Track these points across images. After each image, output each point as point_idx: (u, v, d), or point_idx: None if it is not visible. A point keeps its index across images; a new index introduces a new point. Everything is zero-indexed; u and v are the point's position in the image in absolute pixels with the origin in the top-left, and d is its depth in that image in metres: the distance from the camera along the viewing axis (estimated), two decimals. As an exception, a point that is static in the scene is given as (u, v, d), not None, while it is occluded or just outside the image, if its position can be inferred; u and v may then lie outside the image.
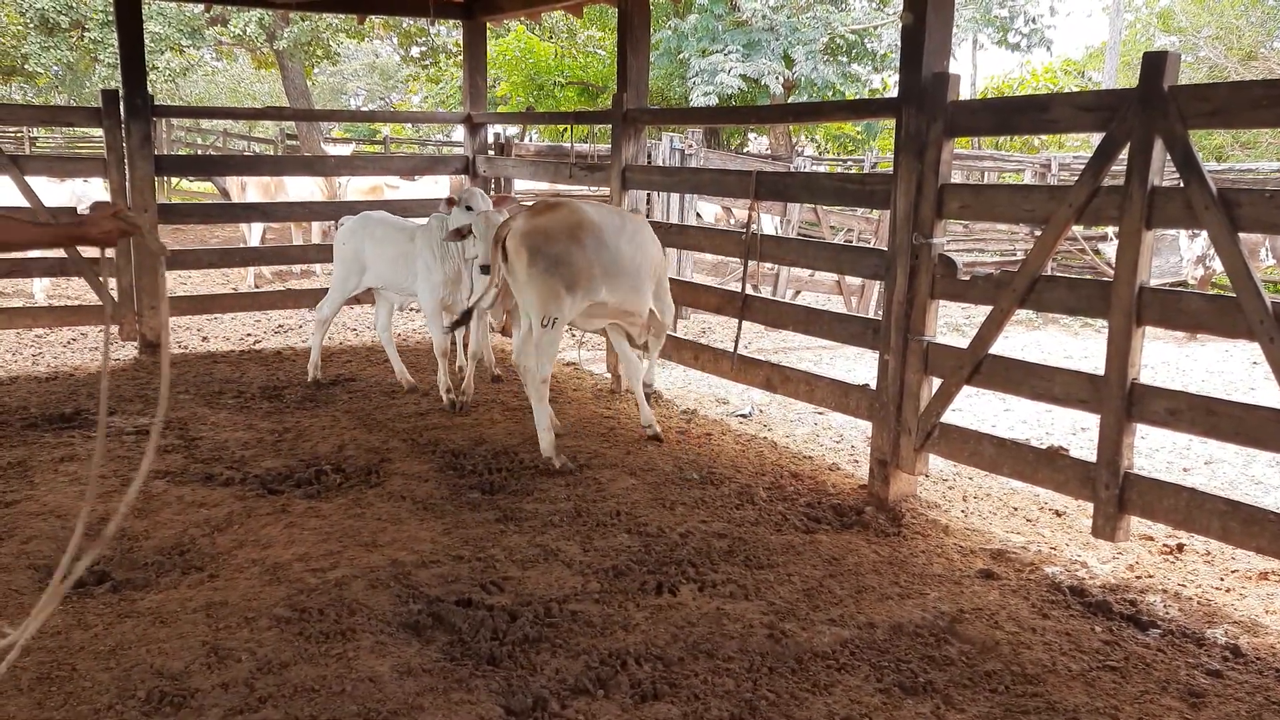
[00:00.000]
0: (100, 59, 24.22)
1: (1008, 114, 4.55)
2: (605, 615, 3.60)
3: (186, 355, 7.86)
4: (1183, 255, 11.27)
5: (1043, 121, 4.28)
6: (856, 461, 5.73)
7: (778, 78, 18.94)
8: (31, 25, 22.89)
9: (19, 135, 25.16)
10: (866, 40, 20.43)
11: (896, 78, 22.22)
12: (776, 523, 4.59)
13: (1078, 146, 24.11)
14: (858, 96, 20.10)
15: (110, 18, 21.72)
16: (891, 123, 4.88)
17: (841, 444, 6.19)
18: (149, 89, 7.51)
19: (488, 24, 8.95)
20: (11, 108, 18.11)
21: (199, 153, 27.40)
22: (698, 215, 12.08)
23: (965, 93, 4.59)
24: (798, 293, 11.23)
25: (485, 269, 5.45)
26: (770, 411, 6.97)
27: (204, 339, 8.76)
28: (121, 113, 7.36)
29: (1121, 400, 3.87)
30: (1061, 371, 4.20)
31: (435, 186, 12.46)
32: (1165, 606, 3.88)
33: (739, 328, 5.94)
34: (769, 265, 9.99)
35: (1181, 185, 3.67)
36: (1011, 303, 4.27)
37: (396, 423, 5.99)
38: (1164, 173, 3.84)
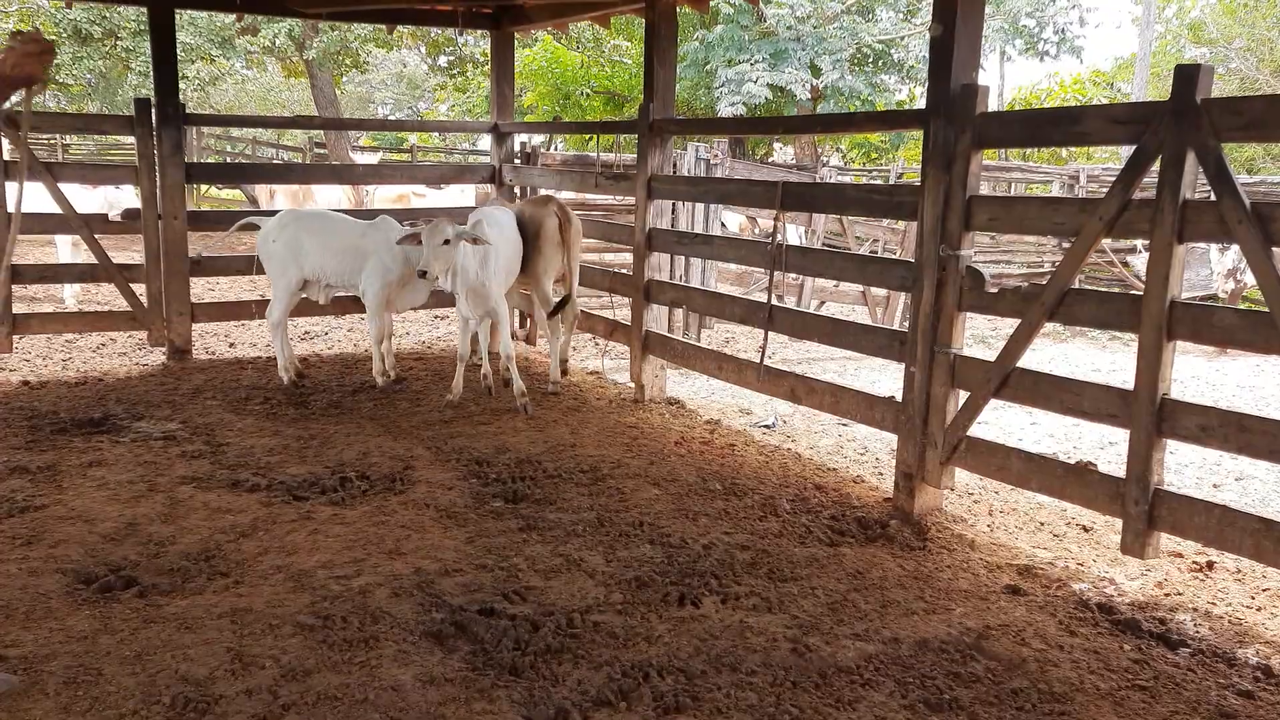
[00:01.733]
0: (132, 67, 24.51)
1: (1038, 126, 4.52)
2: (628, 626, 3.59)
3: (214, 361, 7.92)
4: (1213, 268, 11.16)
5: (1073, 134, 4.25)
6: (881, 474, 5.70)
7: (805, 86, 18.91)
8: (65, 36, 23.20)
9: (52, 142, 25.49)
10: (893, 50, 20.37)
11: (923, 88, 22.16)
12: (800, 535, 4.56)
13: (1105, 158, 23.92)
14: (885, 107, 20.04)
15: (142, 27, 22.00)
16: (918, 132, 4.85)
17: (866, 456, 6.15)
18: (180, 97, 7.60)
19: (515, 34, 8.99)
20: (46, 115, 18.34)
21: (228, 160, 27.66)
22: (722, 225, 12.07)
23: (993, 103, 4.56)
24: (822, 303, 11.19)
25: (423, 274, 5.97)
26: (794, 422, 6.95)
27: (231, 345, 8.84)
28: (153, 121, 7.44)
29: (1152, 416, 3.83)
30: (1091, 386, 4.16)
31: (462, 195, 12.54)
32: (1195, 625, 3.83)
33: (765, 339, 5.92)
34: (793, 275, 9.97)
35: (1214, 199, 3.63)
36: (1040, 316, 4.23)
37: (421, 430, 6.00)
38: (1195, 186, 3.80)
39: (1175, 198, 3.71)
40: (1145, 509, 3.87)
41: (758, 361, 5.91)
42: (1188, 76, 3.66)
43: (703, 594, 3.86)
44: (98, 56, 24.35)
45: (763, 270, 7.36)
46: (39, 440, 5.58)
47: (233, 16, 19.55)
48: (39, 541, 4.15)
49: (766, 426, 6.77)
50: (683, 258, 9.48)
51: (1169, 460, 4.63)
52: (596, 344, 9.36)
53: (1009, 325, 4.49)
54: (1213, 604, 4.07)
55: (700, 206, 9.92)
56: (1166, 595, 4.13)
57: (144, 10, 7.67)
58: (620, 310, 7.81)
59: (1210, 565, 4.45)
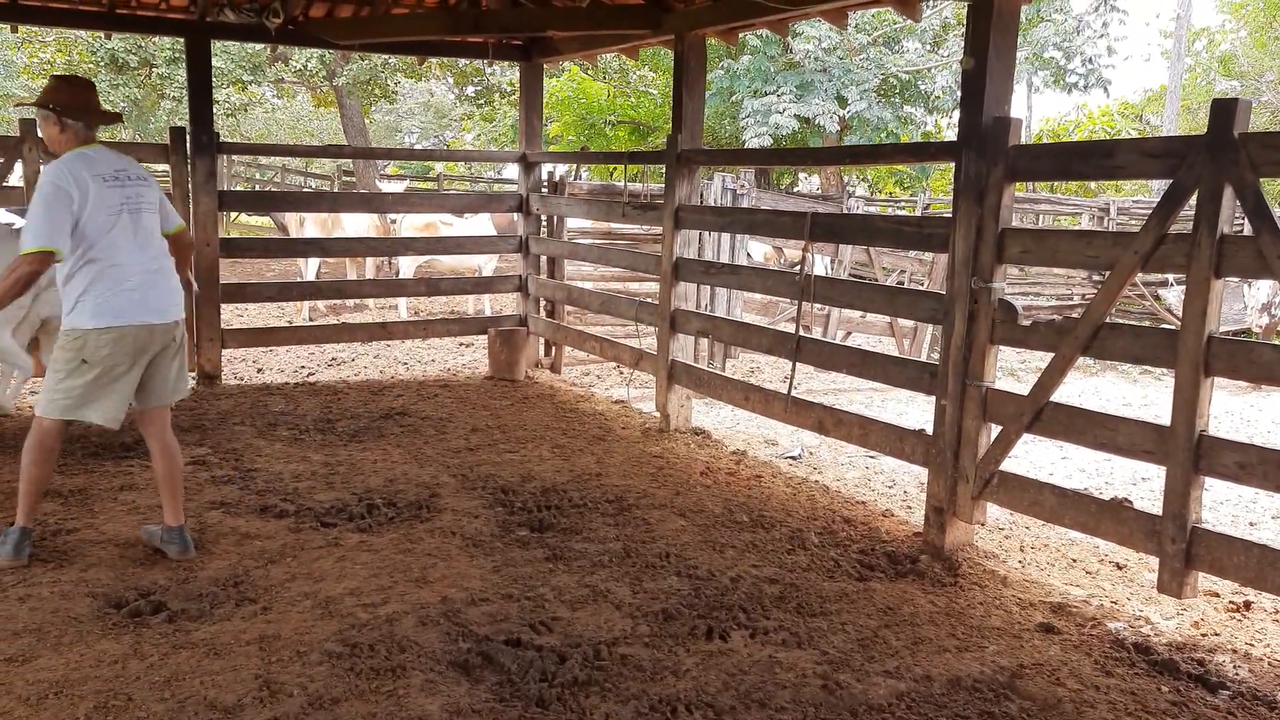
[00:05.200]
0: (166, 94, 24.91)
1: (1071, 159, 4.50)
2: (655, 660, 3.56)
3: (242, 386, 7.97)
4: (1246, 303, 11.03)
5: (1107, 168, 4.22)
6: (910, 508, 5.64)
7: (832, 118, 18.94)
8: (102, 64, 23.62)
9: (85, 168, 25.87)
10: (920, 82, 20.39)
11: (948, 120, 21.88)
12: (829, 569, 4.52)
13: (1134, 191, 23.81)
14: (910, 139, 20.04)
15: (176, 55, 22.35)
16: (943, 163, 4.84)
17: (894, 489, 6.10)
18: (214, 126, 7.70)
19: (544, 65, 9.06)
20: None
21: (257, 187, 27.97)
22: (747, 255, 12.07)
23: (1021, 136, 4.55)
24: (848, 334, 11.16)
25: None
26: (820, 454, 6.90)
27: (259, 370, 8.89)
28: (188, 149, 7.54)
29: (1189, 452, 3.78)
30: (1126, 421, 4.11)
31: (488, 223, 12.63)
32: (1234, 667, 3.75)
33: (793, 369, 5.90)
34: (819, 306, 9.95)
35: (1252, 234, 3.59)
36: (1074, 350, 4.19)
37: (447, 457, 6.01)
38: (1232, 220, 3.77)
39: (1212, 232, 3.68)
40: (1183, 547, 3.81)
41: (785, 392, 5.88)
42: (1225, 111, 3.64)
43: (731, 628, 3.83)
44: (133, 85, 24.75)
45: (789, 300, 7.35)
46: (71, 464, 5.62)
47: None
48: (70, 565, 4.17)
49: (792, 457, 6.73)
50: (708, 287, 9.48)
51: (1204, 498, 4.56)
52: (621, 373, 9.36)
53: (1038, 357, 4.45)
54: (1251, 645, 3.99)
55: (726, 236, 9.93)
56: (1204, 636, 4.05)
57: (180, 39, 7.79)
58: (646, 339, 7.81)
59: (1248, 605, 4.37)
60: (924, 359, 9.25)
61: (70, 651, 3.43)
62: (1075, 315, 4.31)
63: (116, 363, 4.11)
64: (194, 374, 7.86)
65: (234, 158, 27.06)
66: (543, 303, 9.04)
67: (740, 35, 7.85)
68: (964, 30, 4.71)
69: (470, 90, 30.17)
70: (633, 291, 9.92)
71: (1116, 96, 30.94)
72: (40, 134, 4.24)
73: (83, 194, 4.03)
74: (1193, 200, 3.79)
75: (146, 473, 5.49)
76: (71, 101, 4.15)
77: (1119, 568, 4.81)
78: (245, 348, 9.17)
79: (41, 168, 4.17)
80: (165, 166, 7.67)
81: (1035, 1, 18.91)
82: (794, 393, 5.86)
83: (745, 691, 3.36)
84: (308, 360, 9.42)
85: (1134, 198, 21.29)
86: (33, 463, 4.16)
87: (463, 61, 24.41)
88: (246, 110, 31.09)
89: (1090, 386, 10.02)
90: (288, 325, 10.63)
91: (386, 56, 22.96)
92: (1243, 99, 3.67)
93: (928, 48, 20.97)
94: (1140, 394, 9.75)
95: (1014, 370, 10.55)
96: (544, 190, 9.08)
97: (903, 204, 23.40)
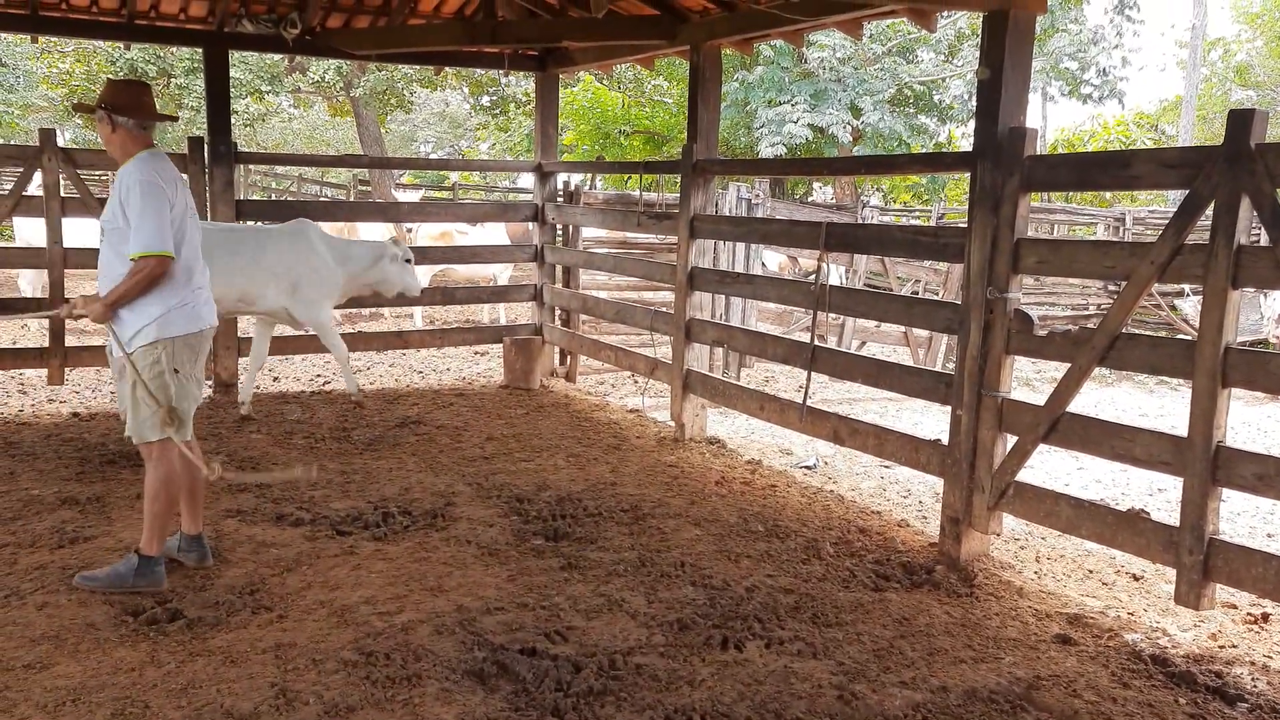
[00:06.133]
0: (184, 104, 25.09)
1: (1088, 169, 4.49)
2: (670, 669, 3.56)
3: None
4: (1263, 314, 10.96)
5: (1124, 178, 4.21)
6: (925, 518, 5.63)
7: (845, 128, 18.94)
8: (121, 74, 23.81)
9: (104, 178, 26.10)
10: (934, 92, 20.37)
11: (963, 129, 21.68)
12: (844, 579, 4.51)
13: (1150, 200, 23.69)
14: (923, 149, 19.99)
15: (195, 65, 22.50)
16: (958, 174, 4.84)
17: (909, 499, 6.08)
18: (231, 135, 7.76)
19: (559, 75, 9.10)
20: (101, 152, 18.77)
21: (273, 197, 28.11)
22: (762, 264, 12.06)
23: (1037, 146, 4.55)
24: (863, 344, 11.13)
25: None
26: (835, 464, 6.89)
27: (275, 378, 8.93)
28: (206, 158, 7.60)
29: (1206, 464, 3.76)
30: (1143, 432, 4.09)
31: (503, 233, 12.68)
32: (1253, 679, 3.73)
33: (808, 379, 5.89)
34: (834, 315, 9.94)
35: (1269, 244, 3.58)
36: (1091, 360, 4.18)
37: (462, 466, 6.02)
38: (1249, 231, 3.75)
39: (1229, 243, 3.67)
40: (1200, 559, 3.79)
41: (800, 402, 5.87)
42: (1242, 121, 3.63)
43: (746, 638, 3.82)
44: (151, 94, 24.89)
45: (804, 310, 7.35)
46: (88, 472, 5.66)
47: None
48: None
49: (807, 467, 6.72)
50: (723, 296, 9.49)
51: (1221, 509, 4.53)
52: (636, 382, 9.36)
53: (1053, 368, 4.44)
54: (1270, 657, 3.96)
55: (740, 246, 9.93)
56: (1221, 648, 4.02)
57: (198, 49, 7.84)
58: (660, 348, 7.82)
59: (1265, 617, 4.34)
60: (939, 369, 9.23)
61: (88, 658, 3.45)
62: (1091, 325, 4.29)
63: (192, 370, 4.10)
64: (210, 381, 7.91)
65: (251, 167, 27.21)
66: (558, 312, 9.06)
67: (755, 45, 7.85)
68: (979, 40, 4.71)
69: (485, 100, 30.26)
70: (648, 301, 9.93)
71: (1132, 106, 30.78)
72: (99, 137, 4.16)
73: (172, 194, 4.02)
74: (1210, 210, 3.79)
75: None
76: (121, 101, 4.08)
77: (1136, 579, 4.78)
78: (261, 356, 9.21)
79: (122, 170, 4.03)
80: (184, 176, 7.71)
81: (1050, 12, 18.87)
82: (809, 402, 5.85)
83: (761, 702, 3.35)
84: (323, 369, 9.46)
85: (1149, 208, 21.19)
86: (165, 497, 4.11)
87: (478, 72, 24.53)
88: (264, 120, 31.30)
89: (1106, 397, 9.96)
90: (304, 333, 10.66)
91: (404, 67, 23.09)
92: (1260, 109, 3.66)
93: (942, 57, 20.95)
94: (1157, 405, 9.69)
95: (1029, 380, 10.50)
96: (559, 199, 9.11)
97: (917, 213, 23.36)
